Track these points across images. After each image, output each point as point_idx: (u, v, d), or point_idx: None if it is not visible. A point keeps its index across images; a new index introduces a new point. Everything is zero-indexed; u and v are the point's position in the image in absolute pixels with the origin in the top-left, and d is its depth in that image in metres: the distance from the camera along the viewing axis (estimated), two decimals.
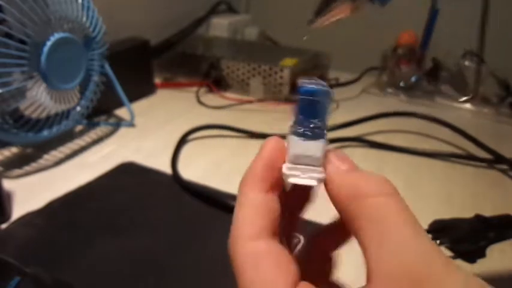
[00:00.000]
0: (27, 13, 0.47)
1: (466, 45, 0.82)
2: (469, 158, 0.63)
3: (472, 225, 0.46)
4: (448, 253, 0.43)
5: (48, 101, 0.53)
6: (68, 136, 0.62)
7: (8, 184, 0.49)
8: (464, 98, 0.82)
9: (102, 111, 0.69)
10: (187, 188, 0.51)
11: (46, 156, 0.58)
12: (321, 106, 0.19)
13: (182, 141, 0.62)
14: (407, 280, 0.16)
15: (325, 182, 0.19)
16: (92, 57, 0.58)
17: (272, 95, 0.79)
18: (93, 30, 0.57)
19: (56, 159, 0.57)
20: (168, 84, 0.86)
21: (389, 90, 0.87)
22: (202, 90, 0.82)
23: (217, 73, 0.83)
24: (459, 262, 0.42)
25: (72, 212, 0.47)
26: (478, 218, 0.47)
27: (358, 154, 0.63)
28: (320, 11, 0.35)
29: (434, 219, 0.47)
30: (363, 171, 0.19)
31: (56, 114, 0.56)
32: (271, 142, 0.20)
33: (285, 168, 0.20)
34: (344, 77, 0.90)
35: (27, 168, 0.55)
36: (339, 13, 0.35)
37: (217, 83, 0.83)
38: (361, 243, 0.17)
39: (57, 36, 0.51)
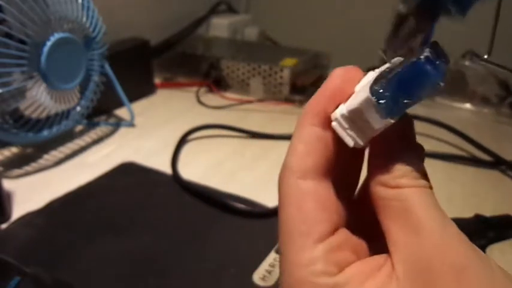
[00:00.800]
0: (27, 13, 0.47)
1: (466, 45, 0.82)
2: (470, 159, 0.63)
3: (472, 225, 0.46)
4: None
5: (48, 101, 0.53)
6: (68, 136, 0.62)
7: (8, 184, 0.49)
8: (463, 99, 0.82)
9: (102, 111, 0.69)
10: (188, 188, 0.51)
11: (46, 156, 0.58)
12: (425, 90, 0.16)
13: (182, 141, 0.62)
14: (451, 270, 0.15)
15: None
16: (92, 57, 0.58)
17: (272, 95, 0.79)
18: (93, 30, 0.57)
19: (56, 159, 0.57)
20: (168, 84, 0.85)
21: None
22: (202, 90, 0.82)
23: (217, 73, 0.83)
24: None
25: (72, 212, 0.47)
26: (478, 217, 0.47)
27: None
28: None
29: None
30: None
31: (56, 114, 0.56)
32: (341, 71, 0.19)
33: (338, 112, 0.18)
34: None
35: (27, 168, 0.55)
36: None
37: (217, 83, 0.83)
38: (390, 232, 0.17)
39: (57, 36, 0.51)
